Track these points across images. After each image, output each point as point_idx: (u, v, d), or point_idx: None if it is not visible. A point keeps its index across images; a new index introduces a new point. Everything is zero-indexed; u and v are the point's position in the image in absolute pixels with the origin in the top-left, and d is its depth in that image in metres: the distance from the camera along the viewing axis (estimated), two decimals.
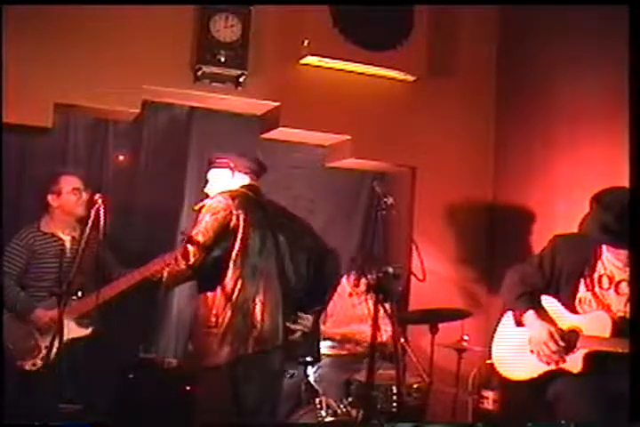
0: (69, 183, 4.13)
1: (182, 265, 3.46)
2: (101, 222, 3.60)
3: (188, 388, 4.30)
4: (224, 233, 3.49)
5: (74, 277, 3.60)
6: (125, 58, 4.40)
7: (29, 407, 3.76)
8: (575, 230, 3.41)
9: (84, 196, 4.14)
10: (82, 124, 4.78)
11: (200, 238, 3.47)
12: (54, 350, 3.67)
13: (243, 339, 3.44)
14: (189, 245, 3.47)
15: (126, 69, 4.40)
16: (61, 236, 4.13)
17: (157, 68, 4.48)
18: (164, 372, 4.50)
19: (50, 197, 4.12)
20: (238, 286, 3.47)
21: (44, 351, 3.91)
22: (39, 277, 4.05)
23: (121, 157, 4.87)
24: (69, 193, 4.12)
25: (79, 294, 3.90)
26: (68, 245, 4.13)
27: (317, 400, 4.28)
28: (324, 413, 4.20)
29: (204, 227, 3.50)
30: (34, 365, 3.90)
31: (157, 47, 4.48)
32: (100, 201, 3.66)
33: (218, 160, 3.77)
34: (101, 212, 3.64)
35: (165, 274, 3.59)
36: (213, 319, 3.46)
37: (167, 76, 4.53)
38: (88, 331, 4.07)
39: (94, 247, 4.01)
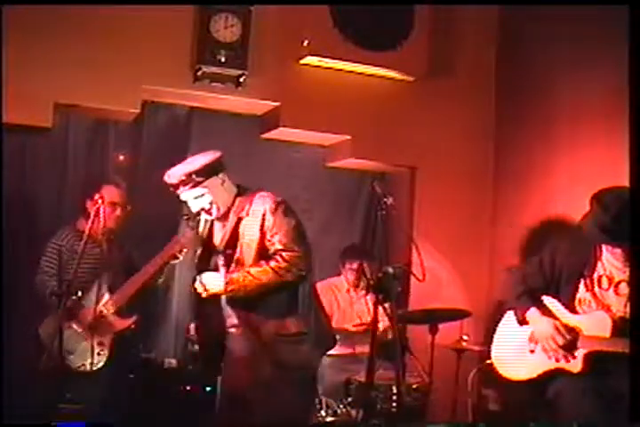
0: (109, 195, 4.11)
1: (294, 273, 3.37)
2: (101, 222, 3.63)
3: (188, 388, 4.32)
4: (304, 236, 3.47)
5: (74, 276, 3.61)
6: (125, 58, 4.41)
7: (30, 407, 3.75)
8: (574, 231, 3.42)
9: (119, 211, 4.20)
10: (82, 124, 4.78)
11: (299, 244, 3.39)
12: (107, 348, 3.94)
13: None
14: (285, 253, 3.36)
15: (126, 69, 4.40)
16: (98, 236, 4.14)
17: (157, 68, 4.48)
18: (164, 372, 4.51)
19: (88, 204, 4.12)
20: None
21: (97, 349, 3.97)
22: (80, 276, 3.99)
23: (121, 157, 4.87)
24: (107, 205, 4.06)
25: (79, 294, 3.90)
26: (104, 244, 4.19)
27: (317, 400, 4.28)
28: (323, 413, 4.21)
29: (291, 231, 3.40)
30: (84, 365, 3.94)
31: (157, 47, 4.48)
32: (99, 201, 3.69)
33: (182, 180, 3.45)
34: (101, 211, 3.66)
35: (265, 280, 3.37)
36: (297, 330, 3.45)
37: (167, 76, 4.53)
38: (130, 320, 4.11)
39: (99, 245, 4.08)
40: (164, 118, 4.96)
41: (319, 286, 4.82)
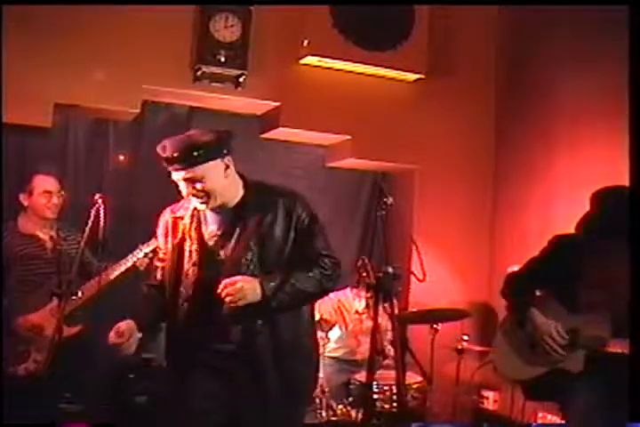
0: (42, 185, 4.04)
1: (335, 282, 3.02)
2: (101, 222, 3.58)
3: None
4: None
5: (74, 277, 3.58)
6: (125, 58, 4.41)
7: (29, 408, 3.75)
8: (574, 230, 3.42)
9: (55, 200, 4.05)
10: (82, 124, 4.78)
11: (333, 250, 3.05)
12: (47, 352, 3.59)
13: None
14: (328, 260, 2.98)
15: (126, 69, 4.40)
16: (41, 236, 4.07)
17: (157, 68, 4.49)
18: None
19: (22, 197, 4.04)
20: None
21: (34, 355, 3.88)
22: (21, 281, 3.98)
23: (121, 157, 4.86)
24: (40, 195, 4.02)
25: (79, 293, 3.88)
26: (48, 245, 4.07)
27: (317, 400, 4.29)
28: (324, 413, 4.21)
29: (325, 235, 3.04)
30: (26, 369, 3.86)
31: (157, 47, 4.48)
32: (100, 201, 3.64)
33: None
34: (101, 212, 3.62)
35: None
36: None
37: (167, 76, 4.53)
38: (76, 329, 3.98)
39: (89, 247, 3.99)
40: (163, 118, 4.96)
41: (330, 298, 4.79)
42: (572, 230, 3.47)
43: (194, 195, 2.90)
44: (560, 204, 4.66)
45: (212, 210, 2.97)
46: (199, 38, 4.54)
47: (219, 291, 2.79)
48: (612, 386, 3.10)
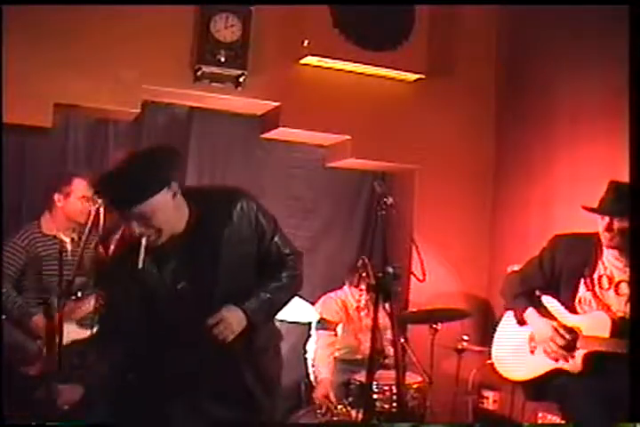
0: (80, 189, 4.01)
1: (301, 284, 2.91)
2: (101, 222, 3.58)
3: None
4: None
5: (74, 278, 3.58)
6: (125, 58, 4.40)
7: (29, 408, 3.75)
8: (575, 230, 3.42)
9: (90, 205, 4.05)
10: (82, 124, 4.77)
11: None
12: (55, 352, 3.58)
13: None
14: (292, 257, 2.89)
15: (126, 69, 4.39)
16: (62, 237, 4.06)
17: (157, 68, 4.48)
18: None
19: (56, 197, 4.01)
20: None
21: (45, 355, 3.88)
22: (40, 280, 3.97)
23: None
24: (77, 199, 4.00)
25: (78, 294, 3.87)
26: (69, 247, 4.06)
27: (317, 400, 4.29)
28: (324, 413, 4.21)
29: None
30: (37, 369, 3.87)
31: (157, 47, 4.47)
32: (99, 201, 3.63)
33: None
34: (101, 212, 3.62)
35: None
36: None
37: (167, 76, 4.53)
38: (89, 332, 4.02)
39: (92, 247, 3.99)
40: (163, 118, 4.95)
41: (331, 298, 4.78)
42: (571, 230, 3.47)
43: (141, 233, 2.56)
44: (560, 204, 4.66)
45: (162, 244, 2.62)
46: (199, 38, 4.54)
47: (206, 328, 2.59)
48: (612, 386, 3.11)
